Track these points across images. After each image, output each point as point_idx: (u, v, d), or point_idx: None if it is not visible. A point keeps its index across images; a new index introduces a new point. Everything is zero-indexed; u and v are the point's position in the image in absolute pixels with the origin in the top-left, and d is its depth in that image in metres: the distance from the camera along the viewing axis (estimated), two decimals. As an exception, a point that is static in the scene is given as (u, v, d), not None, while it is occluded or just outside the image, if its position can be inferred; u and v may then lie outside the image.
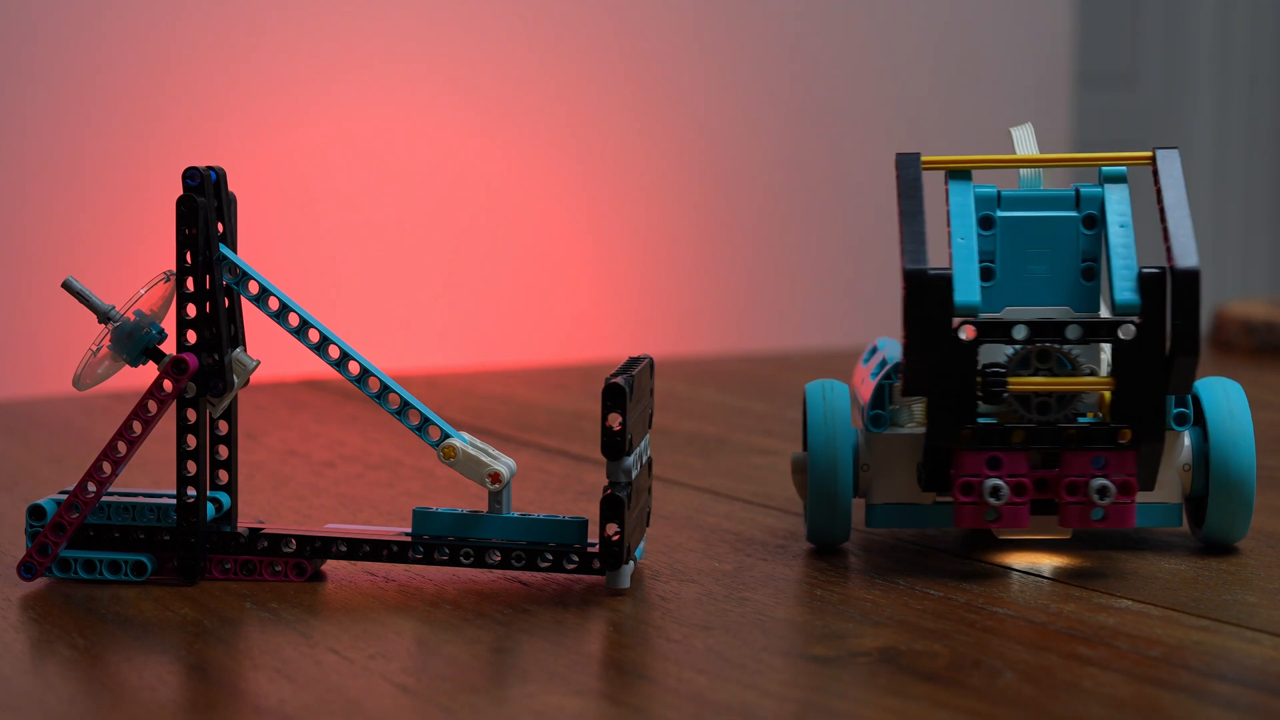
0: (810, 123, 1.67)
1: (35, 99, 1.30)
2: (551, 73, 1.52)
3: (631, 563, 0.63)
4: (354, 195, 1.43)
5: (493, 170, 1.49)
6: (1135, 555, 0.67)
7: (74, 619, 0.59)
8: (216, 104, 1.36)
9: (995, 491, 0.62)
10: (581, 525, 0.62)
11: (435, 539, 0.63)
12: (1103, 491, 0.62)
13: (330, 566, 0.65)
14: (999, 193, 0.66)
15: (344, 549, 0.63)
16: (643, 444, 0.65)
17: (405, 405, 0.63)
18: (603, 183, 1.56)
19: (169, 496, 0.64)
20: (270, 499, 0.79)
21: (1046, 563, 0.66)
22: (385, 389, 0.63)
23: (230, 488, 0.65)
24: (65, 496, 0.63)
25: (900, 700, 0.50)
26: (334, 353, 0.63)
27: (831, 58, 1.69)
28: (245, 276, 0.63)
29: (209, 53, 1.36)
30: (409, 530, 0.63)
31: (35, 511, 0.63)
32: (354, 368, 0.64)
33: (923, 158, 0.66)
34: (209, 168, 0.63)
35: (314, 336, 0.63)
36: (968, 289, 0.63)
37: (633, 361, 0.64)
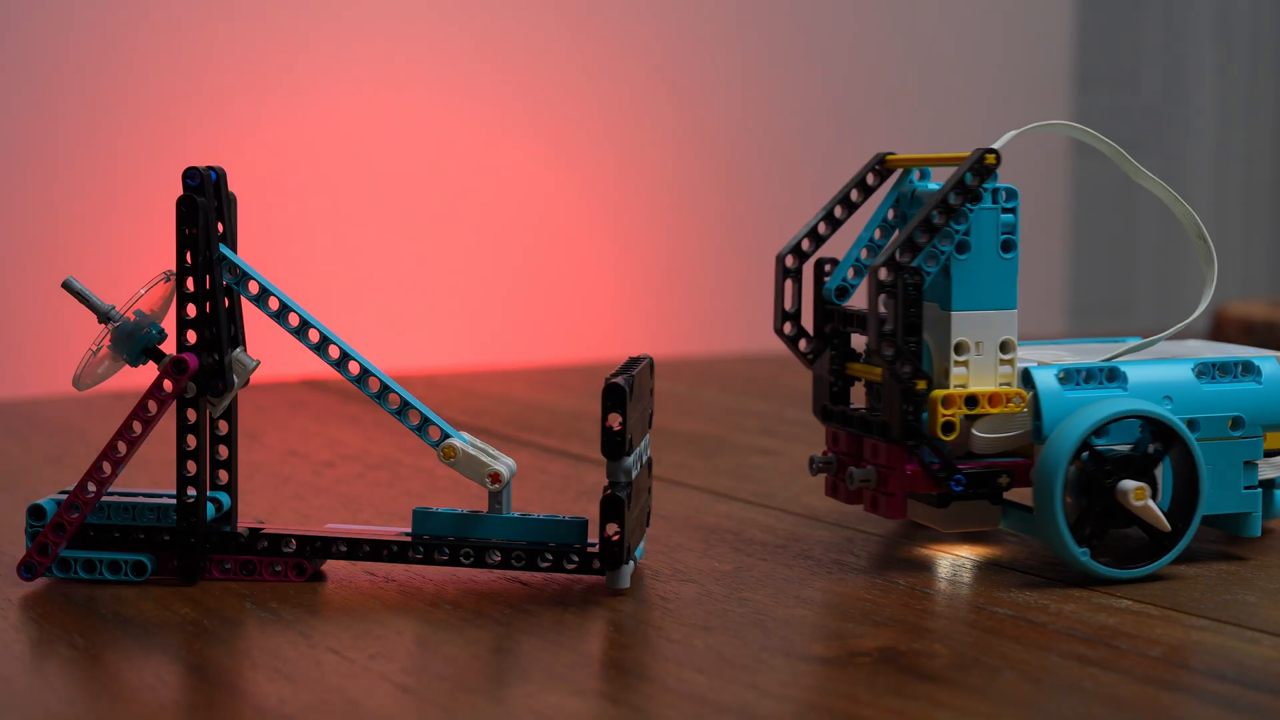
0: (810, 124, 1.67)
1: (34, 99, 1.30)
2: (553, 77, 1.52)
3: (631, 563, 0.63)
4: (354, 196, 1.43)
5: (493, 172, 1.49)
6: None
7: (74, 619, 0.58)
8: (216, 103, 1.36)
9: (811, 462, 0.68)
10: (581, 525, 0.62)
11: (435, 539, 0.63)
12: (850, 477, 0.65)
13: (330, 566, 0.65)
14: (913, 190, 0.68)
15: (344, 549, 0.63)
16: (643, 444, 0.65)
17: (405, 405, 0.63)
18: (604, 185, 1.56)
19: (169, 496, 0.64)
20: (270, 499, 0.79)
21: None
22: (385, 389, 0.63)
23: (230, 488, 0.65)
24: (65, 496, 0.63)
25: (900, 700, 0.50)
26: (334, 353, 0.63)
27: (833, 60, 1.69)
28: (245, 276, 0.63)
29: (209, 51, 1.36)
30: (409, 530, 0.63)
31: (35, 511, 0.63)
32: (354, 368, 0.64)
33: (887, 156, 0.70)
34: (209, 168, 0.63)
35: (314, 336, 0.63)
36: (833, 278, 0.69)
37: (633, 361, 0.64)
